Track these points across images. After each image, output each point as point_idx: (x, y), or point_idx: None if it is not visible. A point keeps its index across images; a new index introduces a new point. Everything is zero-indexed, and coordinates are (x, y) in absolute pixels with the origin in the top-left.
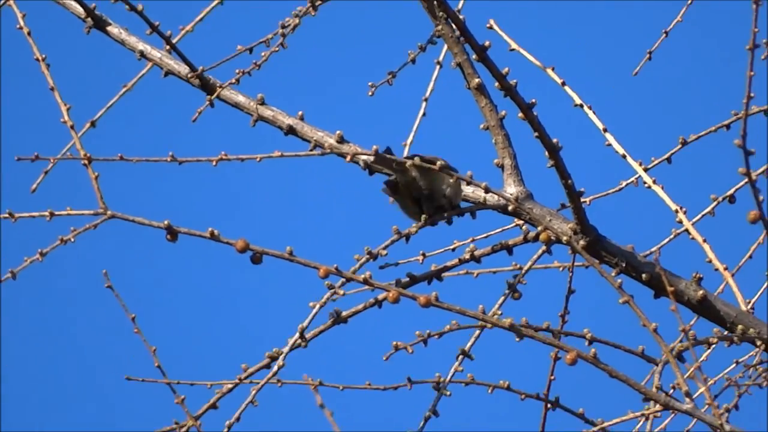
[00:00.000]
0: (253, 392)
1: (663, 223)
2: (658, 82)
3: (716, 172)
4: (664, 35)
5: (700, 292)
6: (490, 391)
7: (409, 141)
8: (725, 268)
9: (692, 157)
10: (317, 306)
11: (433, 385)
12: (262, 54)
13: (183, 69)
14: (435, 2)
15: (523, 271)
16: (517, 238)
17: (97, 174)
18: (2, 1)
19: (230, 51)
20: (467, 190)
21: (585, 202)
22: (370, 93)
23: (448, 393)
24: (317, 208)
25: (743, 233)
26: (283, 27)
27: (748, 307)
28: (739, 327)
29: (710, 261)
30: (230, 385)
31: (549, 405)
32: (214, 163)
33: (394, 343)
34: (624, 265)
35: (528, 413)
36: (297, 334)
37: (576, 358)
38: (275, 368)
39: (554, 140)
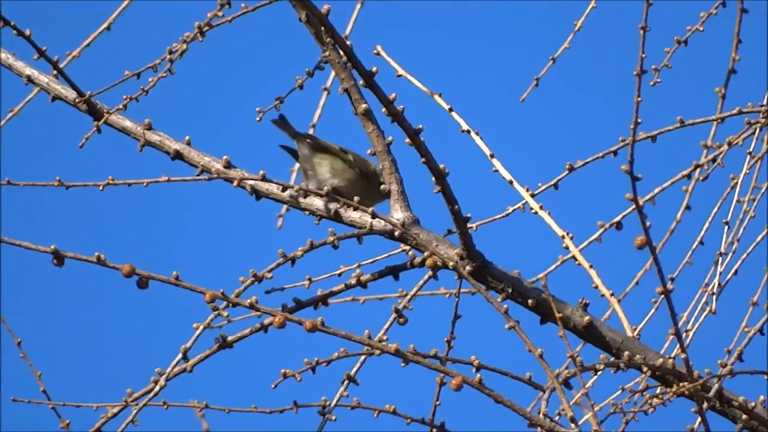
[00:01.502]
0: (134, 412)
1: (550, 249)
2: (546, 109)
3: (603, 199)
4: (552, 62)
5: (587, 317)
6: (375, 415)
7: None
8: (612, 294)
9: (579, 183)
10: (201, 327)
11: (319, 409)
12: (150, 80)
13: (70, 94)
14: (322, 28)
15: (409, 297)
16: (403, 263)
17: None
18: None
19: (118, 76)
20: (354, 215)
21: (472, 227)
22: (257, 119)
23: (334, 418)
24: (204, 233)
25: (630, 259)
26: (171, 53)
27: (635, 333)
28: (626, 353)
29: (597, 287)
30: (116, 409)
31: (434, 429)
32: (101, 187)
33: (283, 371)
34: (510, 290)
35: None
36: (180, 355)
37: (461, 383)
38: (157, 388)
39: (441, 166)
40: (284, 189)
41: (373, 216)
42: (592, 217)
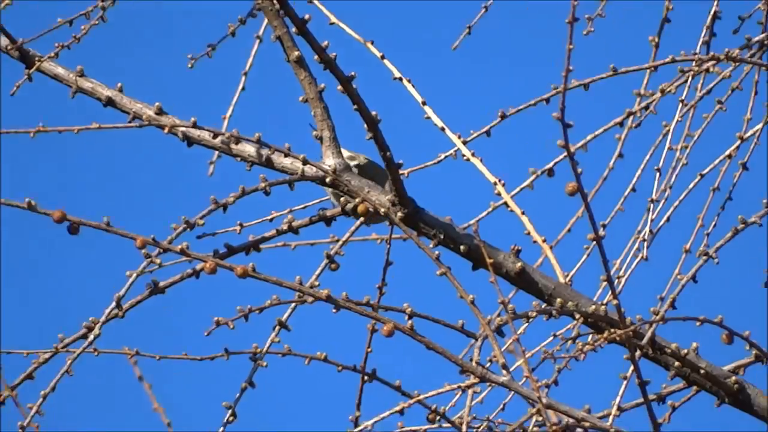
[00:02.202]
0: (69, 361)
1: (482, 195)
2: (478, 57)
3: (536, 146)
4: (484, 10)
5: (519, 264)
6: (306, 362)
7: (228, 114)
8: (544, 241)
9: (512, 130)
10: (134, 275)
11: (251, 356)
12: (83, 27)
13: (2, 41)
14: None
15: (341, 243)
16: (335, 209)
17: None
18: None
19: (51, 23)
20: (285, 161)
21: (404, 174)
22: (189, 65)
23: (264, 364)
24: (136, 180)
25: (563, 206)
26: (103, 0)
27: (567, 279)
28: (558, 300)
29: (529, 233)
30: (47, 355)
31: (366, 377)
32: (31, 134)
33: (216, 318)
34: (442, 236)
35: (345, 385)
36: (113, 303)
37: (393, 329)
38: (91, 337)
39: (373, 113)
40: (215, 136)
41: (305, 162)
42: (524, 165)
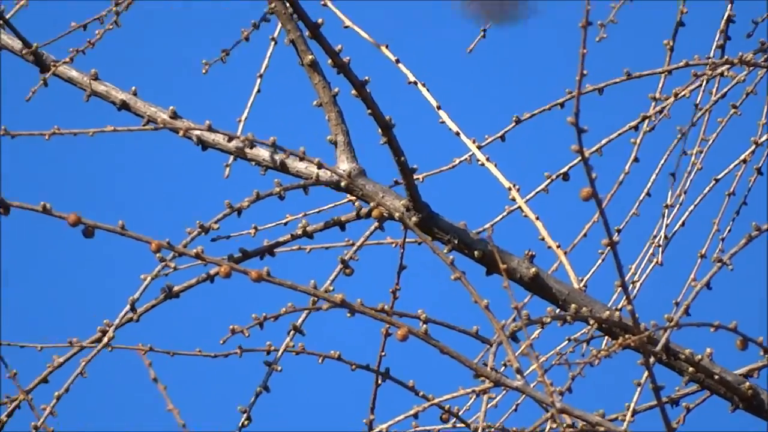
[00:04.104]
0: (83, 363)
1: (497, 200)
2: (493, 61)
3: (551, 151)
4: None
5: (533, 269)
6: (320, 361)
7: (243, 117)
8: (558, 246)
9: (527, 135)
10: (148, 278)
11: (265, 361)
12: (97, 32)
13: (17, 44)
14: None
15: (356, 247)
16: (349, 214)
17: None
18: None
19: (65, 28)
20: (300, 166)
21: (418, 179)
22: (203, 71)
23: (279, 368)
24: (151, 183)
25: (578, 211)
26: (117, 4)
27: (581, 284)
28: (572, 305)
29: (543, 239)
30: (61, 359)
31: (380, 376)
32: (47, 137)
33: (231, 326)
34: (456, 241)
35: (359, 386)
36: (128, 306)
37: (407, 333)
38: (105, 340)
39: (387, 117)
40: (230, 139)
41: (319, 167)
42: (539, 169)
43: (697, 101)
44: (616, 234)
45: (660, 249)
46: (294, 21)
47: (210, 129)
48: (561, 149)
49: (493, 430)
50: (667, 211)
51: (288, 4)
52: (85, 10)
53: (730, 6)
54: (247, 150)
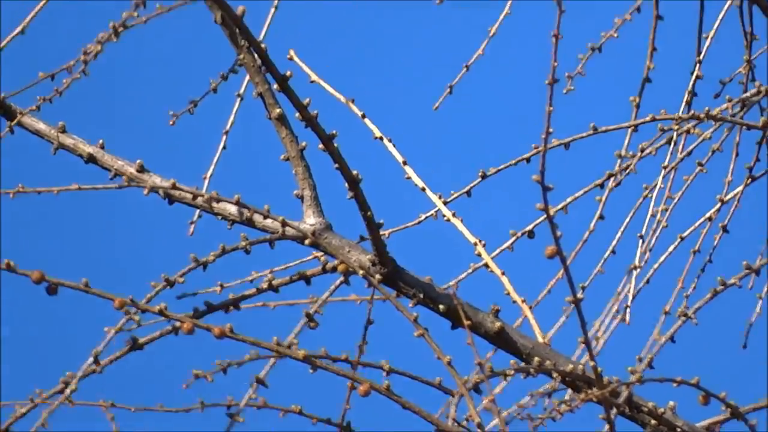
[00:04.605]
0: (45, 414)
1: (463, 255)
2: (459, 116)
3: (517, 206)
4: (465, 69)
5: (498, 324)
6: (281, 415)
7: (209, 173)
8: (523, 301)
9: (493, 190)
10: (112, 331)
11: (227, 411)
12: (64, 81)
13: None
14: (237, 30)
15: (320, 302)
16: (315, 268)
17: None
18: None
19: (33, 77)
20: (266, 221)
21: (384, 234)
22: (171, 122)
23: (241, 419)
24: (117, 236)
25: (543, 267)
26: (85, 53)
27: (546, 339)
28: (536, 359)
29: (508, 294)
30: (23, 410)
31: (341, 430)
32: (11, 195)
33: (194, 371)
34: (422, 296)
35: None
36: (91, 358)
37: (369, 389)
38: (68, 392)
39: (354, 172)
40: (195, 197)
41: (284, 225)
42: (505, 225)
43: (665, 163)
44: (581, 291)
45: (625, 306)
46: (262, 73)
47: (174, 187)
48: (528, 204)
49: None
50: (632, 270)
51: (257, 57)
52: (53, 59)
53: (698, 65)
54: (214, 204)
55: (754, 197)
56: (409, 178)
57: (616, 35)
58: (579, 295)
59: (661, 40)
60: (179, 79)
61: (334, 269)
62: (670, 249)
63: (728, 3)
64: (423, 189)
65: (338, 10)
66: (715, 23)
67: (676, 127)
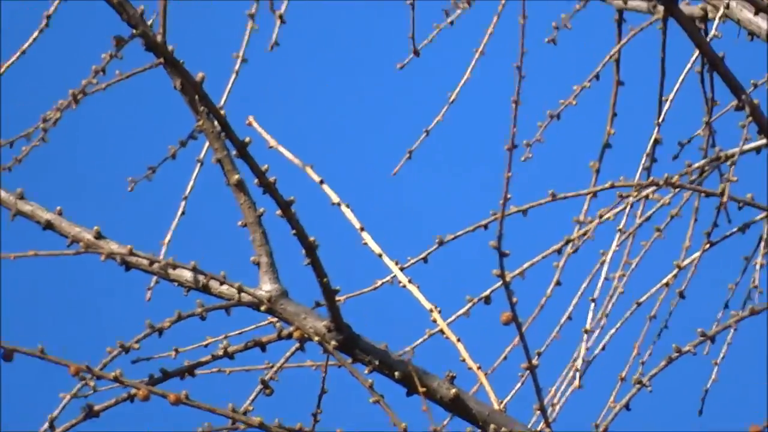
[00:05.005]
0: None
1: (419, 321)
2: (417, 182)
3: (474, 271)
4: (425, 134)
5: (453, 390)
6: None
7: (167, 239)
8: (479, 368)
9: (451, 256)
10: (67, 397)
11: None
12: (23, 148)
13: None
14: (197, 97)
15: (275, 368)
16: (270, 335)
17: None
18: None
19: None
20: (222, 287)
21: (340, 300)
22: (129, 188)
23: None
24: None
25: (499, 333)
26: (45, 120)
27: (501, 405)
28: (492, 426)
29: (464, 360)
30: None
31: None
32: None
33: None
34: (377, 363)
35: None
36: (46, 424)
37: None
38: None
39: (312, 238)
40: (151, 263)
41: (240, 291)
42: (462, 291)
43: (621, 226)
44: (536, 357)
45: (578, 373)
46: (221, 139)
47: (131, 253)
48: (484, 270)
49: None
50: (587, 335)
51: (216, 123)
52: (13, 125)
53: (657, 129)
54: (170, 271)
55: (711, 263)
56: (366, 244)
57: (574, 102)
58: (534, 361)
59: (622, 104)
60: (138, 145)
61: (289, 336)
62: (627, 315)
63: (688, 68)
64: (380, 255)
65: (297, 74)
66: (675, 87)
67: (634, 194)
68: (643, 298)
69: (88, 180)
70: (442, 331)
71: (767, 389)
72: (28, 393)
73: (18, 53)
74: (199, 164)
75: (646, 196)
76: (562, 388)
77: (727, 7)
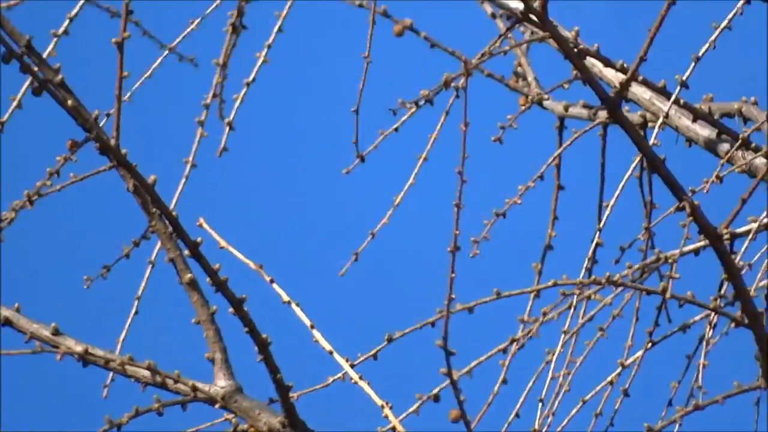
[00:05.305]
0: None
1: (371, 417)
2: (365, 281)
3: (423, 368)
4: (371, 236)
5: None
6: None
7: (122, 338)
8: None
9: (399, 353)
10: None
11: None
12: None
13: None
14: (149, 198)
15: None
16: (226, 430)
17: None
18: None
19: None
20: (177, 385)
21: (294, 396)
22: (85, 286)
23: None
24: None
25: (449, 429)
26: (0, 220)
27: None
28: None
29: None
30: None
31: None
32: None
33: None
34: None
35: None
36: None
37: None
38: None
39: (264, 336)
40: (107, 362)
41: (194, 389)
42: (412, 388)
43: (565, 327)
44: None
45: None
46: (174, 240)
47: (87, 352)
48: (433, 366)
49: None
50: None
51: (168, 224)
52: None
53: (598, 233)
54: (127, 367)
55: (654, 361)
56: (316, 341)
57: (519, 201)
58: None
59: (564, 205)
60: (93, 244)
61: None
62: (573, 412)
63: (629, 174)
64: (330, 352)
65: (246, 177)
66: (615, 193)
67: (577, 292)
68: (589, 395)
69: (45, 278)
70: (394, 428)
71: None
72: None
73: None
74: (151, 264)
75: (589, 297)
76: None
77: (667, 116)
